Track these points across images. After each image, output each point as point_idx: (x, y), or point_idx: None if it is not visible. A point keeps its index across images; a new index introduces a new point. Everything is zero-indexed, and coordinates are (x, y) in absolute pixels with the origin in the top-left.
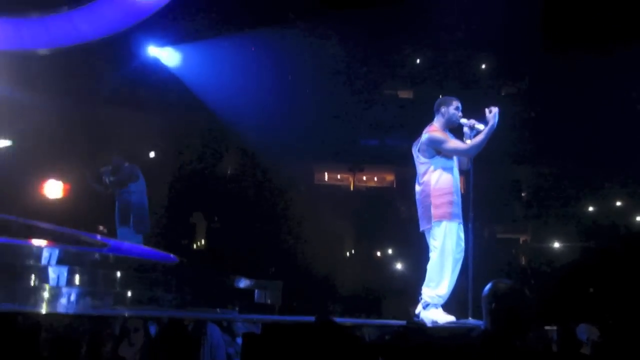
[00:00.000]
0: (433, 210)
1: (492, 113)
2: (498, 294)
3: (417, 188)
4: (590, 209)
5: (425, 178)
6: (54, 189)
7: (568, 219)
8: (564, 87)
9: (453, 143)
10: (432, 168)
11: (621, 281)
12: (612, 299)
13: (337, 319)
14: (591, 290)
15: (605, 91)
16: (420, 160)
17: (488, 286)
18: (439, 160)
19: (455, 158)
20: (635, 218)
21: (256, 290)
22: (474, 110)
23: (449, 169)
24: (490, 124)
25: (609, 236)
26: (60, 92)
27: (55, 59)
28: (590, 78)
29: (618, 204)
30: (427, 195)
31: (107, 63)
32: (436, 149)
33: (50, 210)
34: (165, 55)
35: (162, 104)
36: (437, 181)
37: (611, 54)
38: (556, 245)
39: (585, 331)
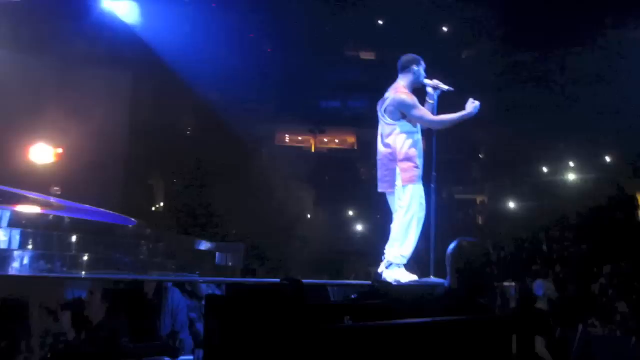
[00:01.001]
0: (401, 175)
1: (474, 105)
2: (463, 251)
3: (381, 149)
4: (544, 169)
5: (391, 140)
6: (43, 153)
7: (523, 179)
8: (525, 50)
9: (421, 111)
10: (398, 130)
11: (572, 239)
12: (564, 256)
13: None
14: (544, 248)
15: (565, 56)
16: (387, 121)
17: (453, 244)
18: (406, 124)
19: (419, 126)
20: (586, 178)
21: (217, 253)
22: (435, 72)
23: (414, 133)
24: (467, 112)
25: (562, 196)
26: (11, 46)
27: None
28: (550, 42)
29: (571, 164)
30: (392, 159)
31: (59, 16)
32: (403, 113)
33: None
34: (122, 8)
35: (118, 60)
36: (403, 145)
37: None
38: (512, 205)
39: (541, 287)
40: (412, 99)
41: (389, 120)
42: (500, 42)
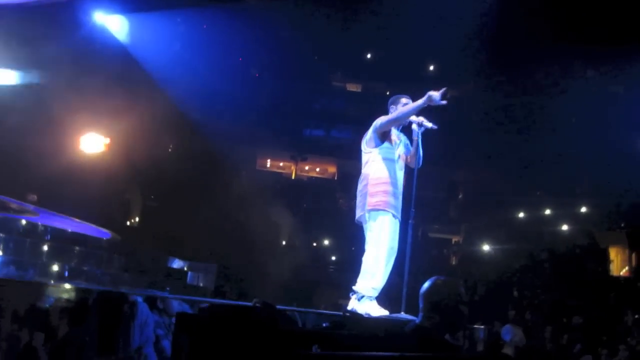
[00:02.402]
0: (368, 199)
1: (440, 91)
2: (438, 290)
3: (360, 179)
4: (521, 215)
5: (366, 168)
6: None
7: (499, 223)
8: (508, 95)
9: (385, 117)
10: (372, 157)
11: (544, 286)
12: (534, 303)
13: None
14: (515, 293)
15: (546, 106)
16: (365, 150)
17: (429, 282)
18: (381, 151)
19: (397, 151)
20: (560, 227)
21: (189, 272)
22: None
23: (389, 160)
24: (427, 97)
25: (536, 242)
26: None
27: None
28: (532, 91)
29: (547, 212)
30: (365, 184)
31: (50, 28)
32: (379, 133)
33: None
34: (113, 23)
35: (106, 74)
36: (376, 171)
37: (553, 65)
38: (486, 247)
39: (509, 332)
40: (384, 117)
41: (366, 149)
42: (485, 85)
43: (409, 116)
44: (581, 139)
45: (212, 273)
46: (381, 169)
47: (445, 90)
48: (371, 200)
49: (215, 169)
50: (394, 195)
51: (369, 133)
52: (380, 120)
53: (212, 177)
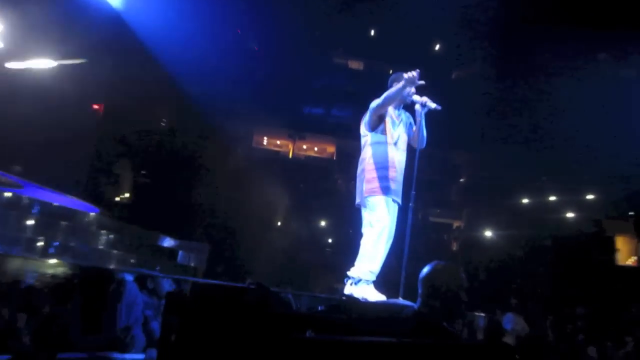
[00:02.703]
0: (365, 185)
1: (415, 72)
2: (438, 275)
3: (359, 162)
4: (525, 201)
5: (363, 152)
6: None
7: (502, 208)
8: (514, 78)
9: (377, 100)
10: (369, 141)
11: (547, 274)
12: (537, 291)
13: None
14: (517, 281)
15: (555, 88)
16: (363, 133)
17: (428, 267)
18: (377, 133)
19: (397, 132)
20: (565, 214)
21: (180, 251)
22: (423, 89)
23: (387, 143)
24: (407, 78)
25: (540, 229)
26: None
27: None
28: (541, 73)
29: (552, 198)
30: (362, 169)
31: None
32: (375, 116)
33: None
34: None
35: (97, 40)
36: (372, 155)
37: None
38: (488, 233)
39: (510, 321)
40: (378, 99)
41: (363, 132)
42: (492, 67)
43: (393, 100)
44: (590, 124)
45: (204, 253)
46: (379, 152)
47: (418, 72)
48: (368, 186)
49: (209, 145)
50: (393, 179)
51: (367, 115)
52: (373, 103)
53: (206, 153)
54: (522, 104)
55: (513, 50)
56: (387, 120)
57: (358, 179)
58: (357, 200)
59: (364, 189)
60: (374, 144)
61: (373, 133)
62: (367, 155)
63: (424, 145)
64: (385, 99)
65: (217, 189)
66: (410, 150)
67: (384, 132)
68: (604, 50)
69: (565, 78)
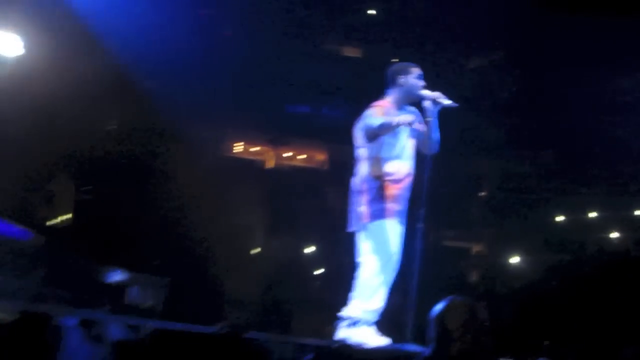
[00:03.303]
0: (365, 208)
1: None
2: (455, 314)
3: (353, 179)
4: (561, 218)
5: (359, 166)
6: None
7: (533, 228)
8: (547, 65)
9: (371, 121)
10: (366, 154)
11: (588, 309)
12: (577, 330)
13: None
14: (553, 319)
15: (596, 80)
16: (357, 144)
17: (442, 304)
18: (374, 146)
19: (402, 138)
20: (609, 234)
21: (134, 287)
22: (434, 83)
23: (386, 157)
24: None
25: (579, 253)
26: None
27: None
28: (579, 62)
29: (593, 215)
30: (360, 189)
31: None
32: (371, 133)
33: None
34: None
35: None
36: (371, 171)
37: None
38: (516, 260)
39: None
40: (376, 114)
41: (358, 141)
42: (518, 52)
43: (388, 131)
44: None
45: (163, 288)
46: (379, 167)
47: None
48: (368, 209)
49: (170, 153)
50: (398, 198)
51: (362, 123)
52: (370, 119)
53: (166, 163)
54: (556, 98)
55: (548, 34)
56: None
57: (354, 200)
58: (351, 226)
59: (363, 212)
60: (373, 158)
61: (371, 145)
62: (364, 171)
63: (437, 149)
64: (381, 127)
65: (179, 208)
66: (419, 156)
67: (387, 143)
68: None
69: (611, 68)
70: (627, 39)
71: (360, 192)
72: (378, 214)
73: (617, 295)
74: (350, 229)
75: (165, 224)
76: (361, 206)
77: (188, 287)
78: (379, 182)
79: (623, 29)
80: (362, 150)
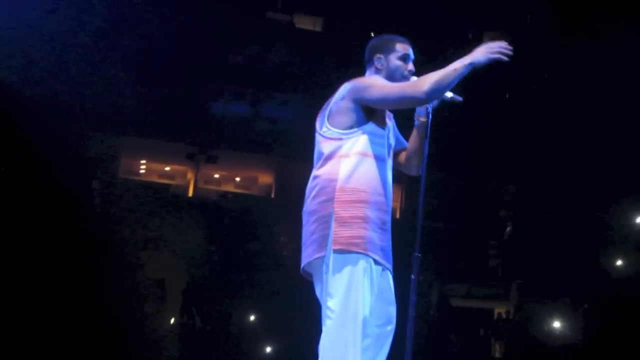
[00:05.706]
0: (335, 228)
1: (490, 48)
2: None
3: (310, 185)
4: (618, 263)
5: (328, 166)
6: None
7: (578, 278)
8: (583, 50)
9: (382, 87)
10: (344, 149)
11: None
12: None
13: None
14: None
15: None
16: (325, 134)
17: None
18: (362, 138)
19: (387, 150)
20: None
21: None
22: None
23: (378, 159)
24: (471, 57)
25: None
26: None
27: None
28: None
29: None
30: (326, 198)
31: None
32: (361, 104)
33: None
34: None
35: None
36: (352, 175)
37: None
38: (556, 324)
39: None
40: (369, 79)
41: (330, 132)
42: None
43: (449, 87)
44: None
45: None
46: (361, 172)
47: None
48: (341, 233)
49: (42, 177)
50: (382, 224)
51: (341, 102)
52: (366, 85)
53: (36, 193)
54: (603, 94)
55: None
56: (378, 115)
57: (311, 218)
58: (307, 260)
59: (330, 235)
60: (359, 154)
61: (359, 132)
62: (341, 172)
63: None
64: (434, 85)
65: (55, 258)
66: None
67: (379, 135)
68: None
69: None
70: None
71: (327, 202)
72: (355, 241)
73: None
74: (303, 263)
75: (38, 280)
76: (327, 223)
77: None
78: (358, 193)
79: None
80: (331, 144)
